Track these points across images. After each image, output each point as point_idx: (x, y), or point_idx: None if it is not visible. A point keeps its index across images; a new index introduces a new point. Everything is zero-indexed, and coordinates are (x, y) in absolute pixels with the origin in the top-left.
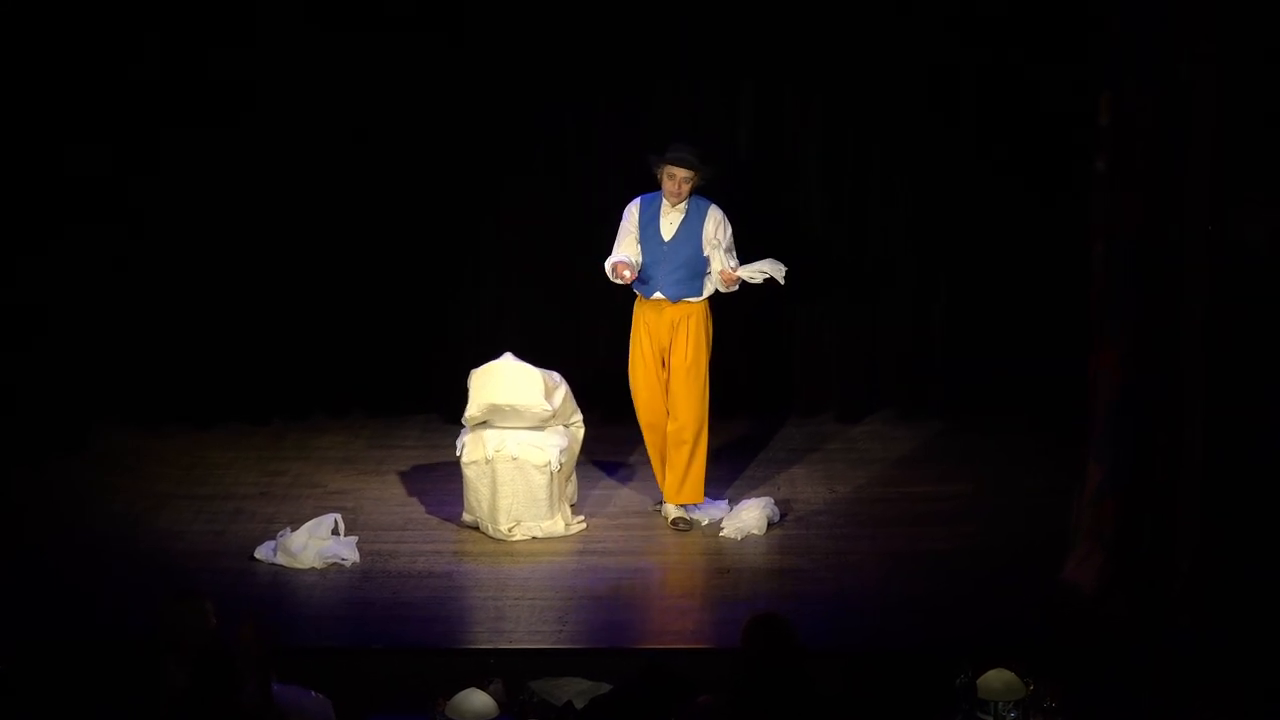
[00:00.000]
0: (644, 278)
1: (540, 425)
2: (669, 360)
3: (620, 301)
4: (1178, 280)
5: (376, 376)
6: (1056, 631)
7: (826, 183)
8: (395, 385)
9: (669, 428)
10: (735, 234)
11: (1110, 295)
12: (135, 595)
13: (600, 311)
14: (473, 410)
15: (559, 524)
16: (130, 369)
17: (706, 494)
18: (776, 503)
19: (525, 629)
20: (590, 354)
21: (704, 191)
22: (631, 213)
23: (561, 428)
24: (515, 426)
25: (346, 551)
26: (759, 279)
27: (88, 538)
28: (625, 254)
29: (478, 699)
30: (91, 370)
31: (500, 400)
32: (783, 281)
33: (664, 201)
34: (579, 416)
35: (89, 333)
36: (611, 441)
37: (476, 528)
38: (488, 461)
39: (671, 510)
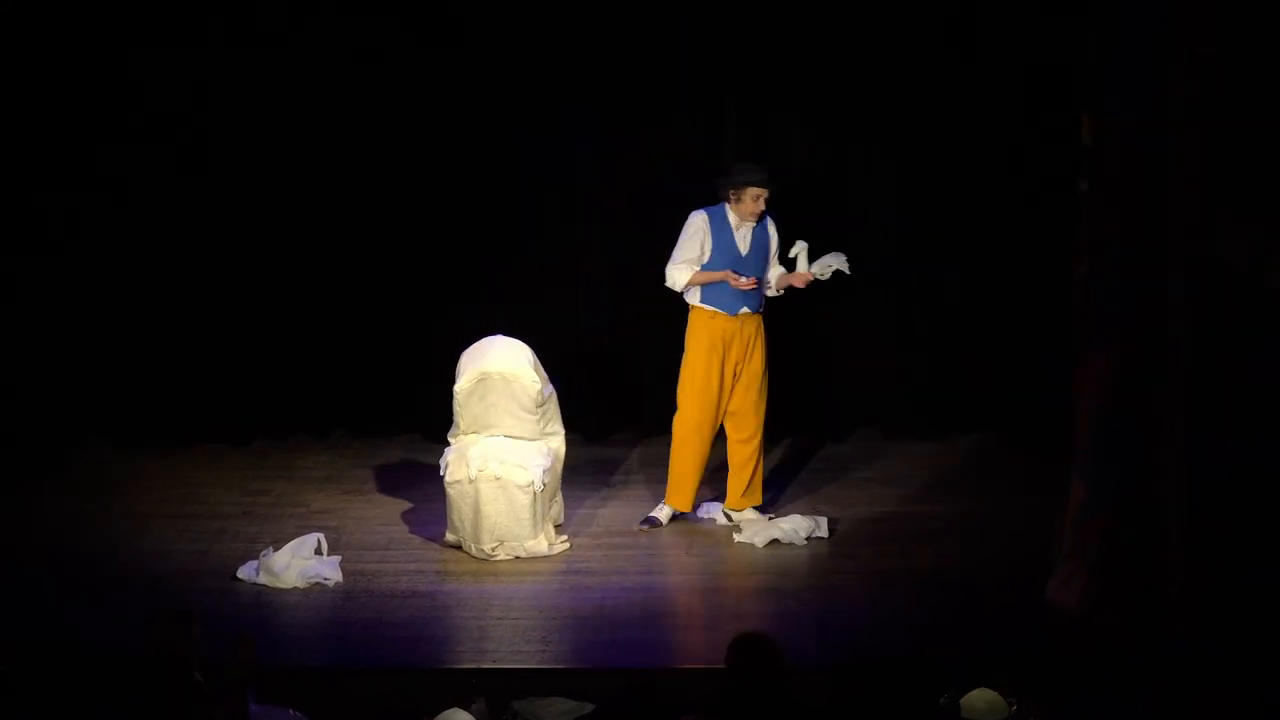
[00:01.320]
0: (720, 292)
1: (529, 410)
2: (741, 371)
3: (582, 319)
4: (1161, 299)
5: (359, 396)
6: (1042, 649)
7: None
8: (378, 405)
9: (736, 436)
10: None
11: (1094, 314)
12: (120, 616)
13: (586, 330)
14: (462, 383)
15: (542, 543)
16: (112, 390)
17: (706, 499)
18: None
19: (508, 649)
20: (575, 373)
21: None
22: (701, 227)
23: (545, 446)
24: (501, 433)
25: (329, 571)
26: (829, 274)
27: (71, 559)
28: (696, 268)
29: (461, 719)
30: (74, 392)
31: (490, 368)
32: (848, 271)
33: (732, 217)
34: (562, 431)
35: (71, 354)
36: (596, 461)
37: (459, 547)
38: (471, 481)
39: (747, 514)
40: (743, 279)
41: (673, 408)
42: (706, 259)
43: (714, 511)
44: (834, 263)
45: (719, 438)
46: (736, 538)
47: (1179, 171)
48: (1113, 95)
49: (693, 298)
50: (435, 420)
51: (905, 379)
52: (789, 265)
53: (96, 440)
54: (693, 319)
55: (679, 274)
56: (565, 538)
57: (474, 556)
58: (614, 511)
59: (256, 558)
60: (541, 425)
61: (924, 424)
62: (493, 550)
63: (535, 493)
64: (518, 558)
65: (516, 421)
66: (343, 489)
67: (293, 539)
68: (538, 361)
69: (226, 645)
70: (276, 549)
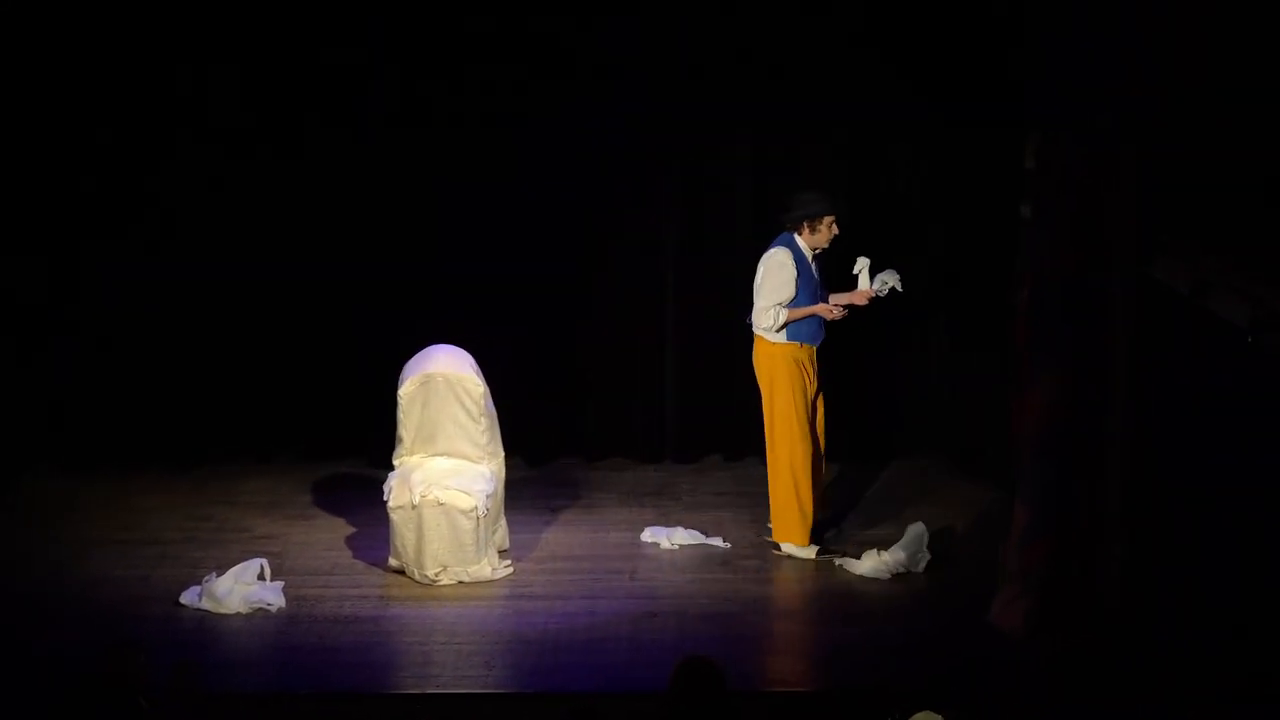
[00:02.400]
0: (810, 325)
1: (473, 416)
2: (817, 400)
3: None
4: (1102, 323)
5: (302, 421)
6: (986, 672)
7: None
8: (321, 429)
9: (819, 464)
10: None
11: (1036, 339)
12: (63, 642)
13: (527, 357)
14: (405, 387)
15: (485, 568)
16: (55, 415)
17: (650, 523)
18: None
19: (452, 673)
20: (517, 399)
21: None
22: (789, 265)
23: (487, 471)
24: (444, 448)
25: (272, 596)
26: (886, 291)
27: (13, 586)
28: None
29: None
30: (16, 418)
31: (434, 370)
32: (901, 289)
33: (804, 249)
34: (502, 453)
35: (14, 381)
36: (539, 485)
37: (403, 572)
38: (414, 507)
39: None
40: (834, 309)
41: (617, 431)
42: (795, 296)
43: (658, 536)
44: (890, 280)
45: (760, 464)
46: (838, 562)
47: (1120, 196)
48: (1055, 121)
49: (779, 335)
50: (378, 445)
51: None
52: (851, 282)
53: (39, 466)
54: (779, 356)
55: (780, 315)
56: (509, 562)
57: (417, 581)
58: (557, 536)
59: (199, 583)
60: (486, 436)
61: (865, 447)
62: (436, 575)
63: (479, 517)
64: (461, 582)
65: (460, 431)
66: (286, 514)
67: (236, 564)
68: (479, 369)
69: (170, 673)
70: (220, 574)
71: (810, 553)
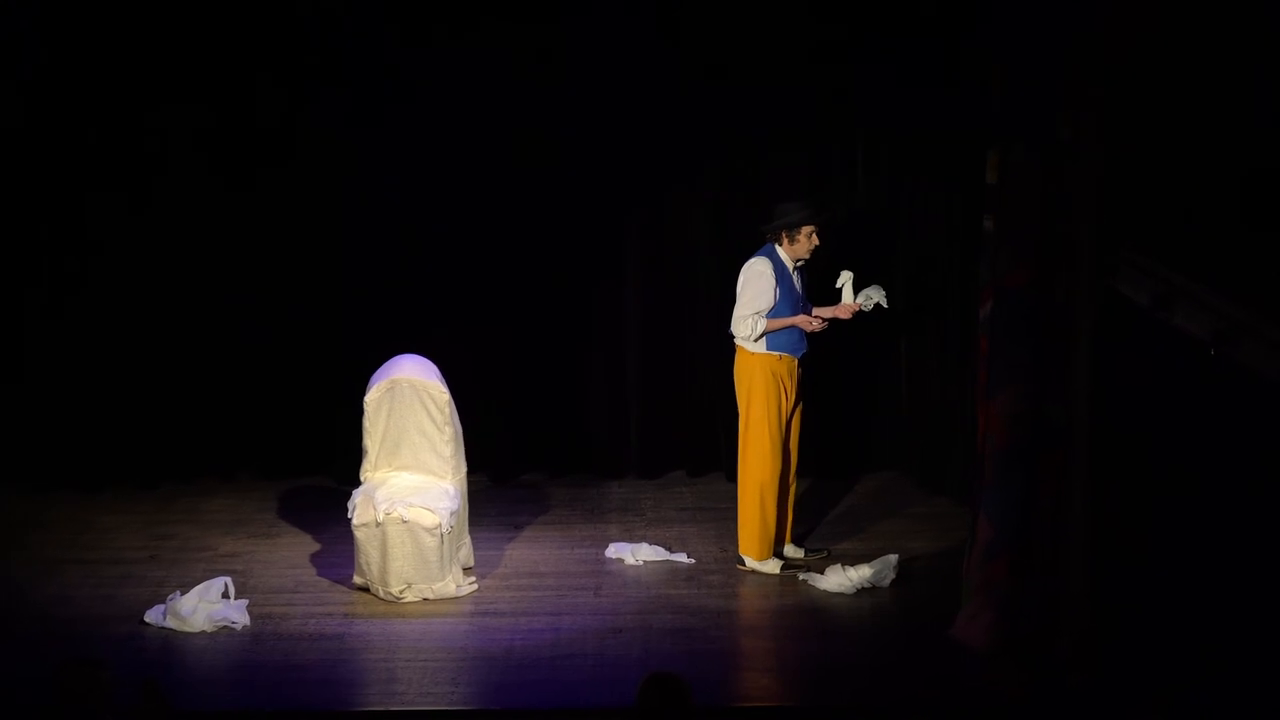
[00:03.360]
0: (790, 336)
1: (439, 424)
2: (795, 412)
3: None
4: (1065, 338)
5: (266, 439)
6: (952, 689)
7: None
8: (285, 447)
9: (791, 479)
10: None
11: (998, 352)
12: (25, 661)
13: (490, 373)
14: (371, 394)
15: (450, 585)
16: (16, 434)
17: (615, 539)
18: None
19: (417, 690)
20: (481, 415)
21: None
22: (768, 274)
23: (451, 488)
24: (410, 461)
25: (237, 614)
26: (870, 306)
27: None
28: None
29: None
30: None
31: (399, 376)
32: (886, 305)
33: (786, 259)
34: (465, 468)
35: None
36: (503, 502)
37: (368, 589)
38: (378, 524)
39: (801, 550)
40: (814, 321)
41: (581, 447)
42: (774, 305)
43: (623, 552)
44: (875, 295)
45: (724, 480)
46: (801, 577)
47: (1080, 209)
48: (1016, 135)
49: (759, 346)
50: (342, 462)
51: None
52: (835, 296)
53: (2, 486)
54: (757, 367)
55: (759, 325)
56: (474, 579)
57: (382, 599)
58: (521, 552)
59: (163, 602)
60: (450, 448)
61: (828, 464)
62: (400, 593)
63: (443, 535)
64: (426, 600)
65: (425, 441)
66: (250, 532)
67: (200, 583)
68: (444, 380)
69: (135, 691)
70: (184, 593)
71: (773, 567)
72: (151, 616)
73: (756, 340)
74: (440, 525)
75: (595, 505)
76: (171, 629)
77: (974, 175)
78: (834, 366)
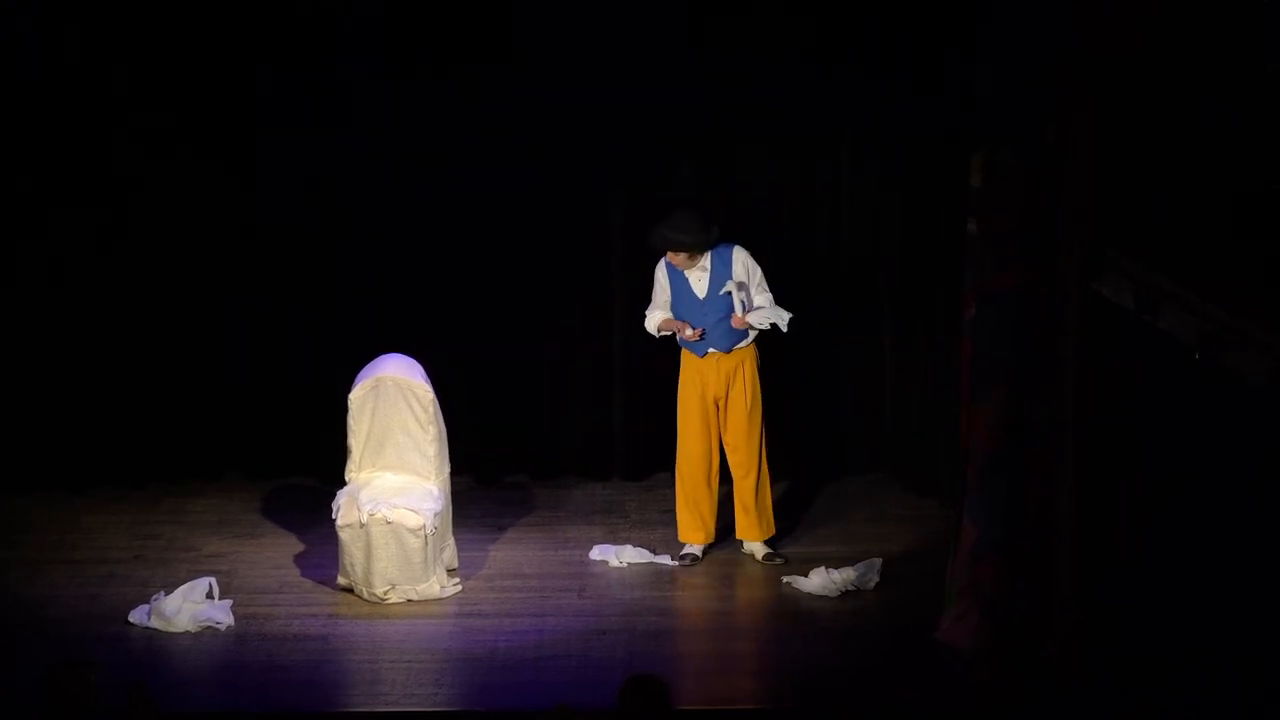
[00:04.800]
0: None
1: (421, 423)
2: (726, 408)
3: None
4: (1049, 340)
5: (251, 439)
6: (935, 693)
7: None
8: (270, 448)
9: (734, 472)
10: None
11: (983, 357)
12: (9, 662)
13: (474, 375)
14: (356, 391)
15: (434, 586)
16: (2, 435)
17: (599, 542)
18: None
19: (401, 691)
20: (465, 417)
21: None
22: (660, 276)
23: (435, 489)
24: (394, 461)
25: (221, 615)
26: (766, 325)
27: None
28: (668, 314)
29: None
30: None
31: (384, 374)
32: (785, 329)
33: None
34: (449, 469)
35: None
36: (487, 503)
37: (352, 590)
38: (362, 525)
39: (759, 548)
40: (688, 330)
41: (564, 449)
42: (670, 303)
43: (607, 554)
44: (773, 318)
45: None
46: (785, 579)
47: (1065, 212)
48: (1001, 137)
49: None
50: (327, 464)
51: (798, 419)
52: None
53: None
54: (682, 357)
55: (650, 320)
56: (457, 580)
57: (366, 600)
58: (505, 554)
59: (148, 602)
60: (434, 447)
61: (815, 463)
62: (385, 594)
63: (427, 535)
64: (410, 601)
65: (409, 440)
66: (234, 532)
67: (184, 583)
68: (429, 380)
69: (123, 694)
70: (168, 593)
71: (694, 550)
72: (136, 617)
73: (658, 334)
74: (424, 526)
75: (579, 507)
76: (156, 629)
77: (959, 178)
78: (819, 368)
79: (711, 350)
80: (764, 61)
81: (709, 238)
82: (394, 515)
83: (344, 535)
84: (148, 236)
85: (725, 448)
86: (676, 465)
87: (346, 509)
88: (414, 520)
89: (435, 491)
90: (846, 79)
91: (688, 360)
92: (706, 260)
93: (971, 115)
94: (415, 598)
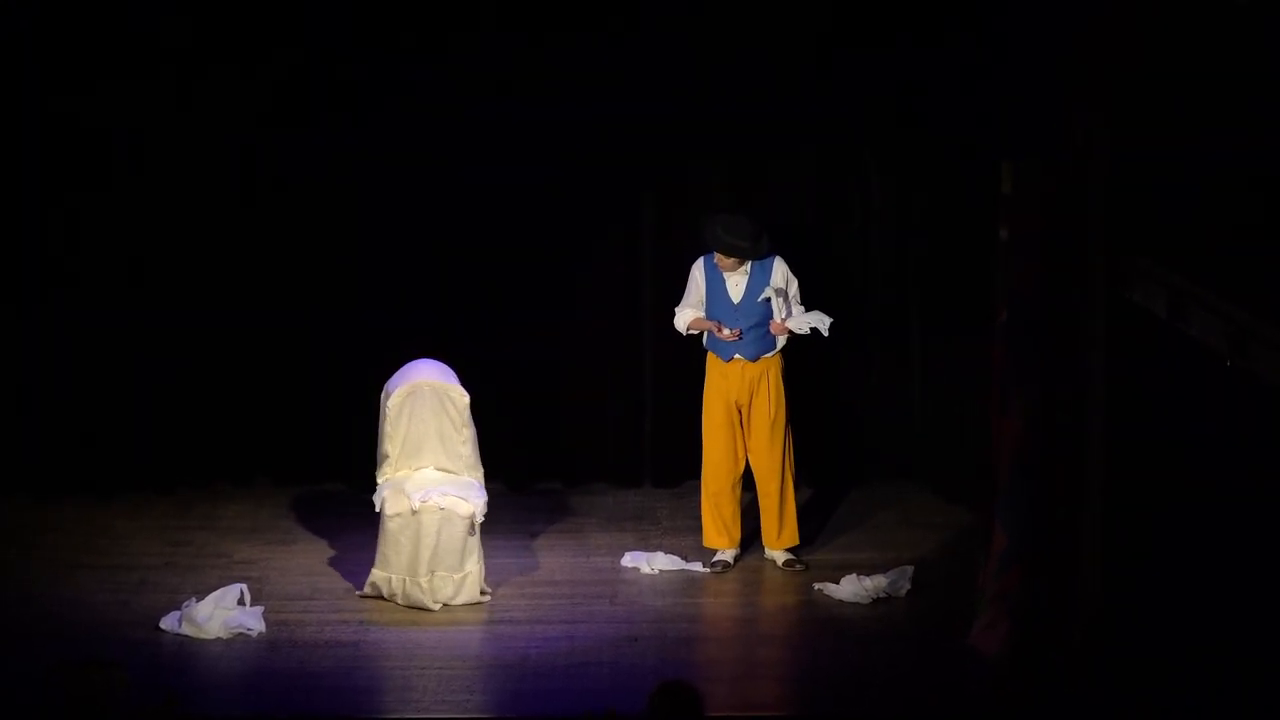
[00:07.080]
0: (718, 340)
1: (456, 426)
2: (749, 417)
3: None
4: (1080, 347)
5: (282, 445)
6: (965, 700)
7: None
8: (301, 453)
9: (757, 480)
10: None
11: (1013, 362)
12: (40, 667)
13: (505, 381)
14: (394, 399)
15: (475, 573)
16: (30, 439)
17: (630, 549)
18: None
19: (433, 698)
20: (496, 423)
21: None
22: (696, 274)
23: (476, 482)
24: (430, 464)
25: (252, 621)
26: (806, 330)
27: None
28: (700, 313)
29: None
30: None
31: (421, 379)
32: (826, 334)
33: (719, 264)
34: (482, 472)
35: None
36: (518, 510)
37: (381, 597)
38: (413, 513)
39: (780, 555)
40: (725, 330)
41: (596, 455)
42: (704, 303)
43: (638, 560)
44: (814, 322)
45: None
46: (816, 585)
47: (1093, 219)
48: (1030, 144)
49: (705, 342)
50: (358, 469)
51: (827, 425)
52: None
53: (15, 492)
54: (707, 363)
55: (680, 318)
56: (488, 588)
57: (397, 604)
58: (537, 561)
59: (179, 608)
60: (469, 448)
61: (843, 471)
62: (427, 583)
63: (475, 524)
64: (446, 606)
65: (445, 444)
66: (265, 539)
67: (215, 589)
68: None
69: (152, 700)
70: (199, 599)
71: (722, 558)
72: (167, 623)
73: (686, 333)
74: (474, 514)
75: (611, 514)
76: (187, 635)
77: (988, 185)
78: (848, 374)
79: (737, 356)
80: (791, 70)
81: (760, 245)
82: (446, 503)
83: (392, 525)
84: (177, 242)
85: (749, 455)
86: (701, 471)
87: (393, 499)
88: (465, 508)
89: (478, 485)
90: (876, 80)
91: (713, 367)
92: (748, 265)
93: (1000, 122)
94: (455, 581)
